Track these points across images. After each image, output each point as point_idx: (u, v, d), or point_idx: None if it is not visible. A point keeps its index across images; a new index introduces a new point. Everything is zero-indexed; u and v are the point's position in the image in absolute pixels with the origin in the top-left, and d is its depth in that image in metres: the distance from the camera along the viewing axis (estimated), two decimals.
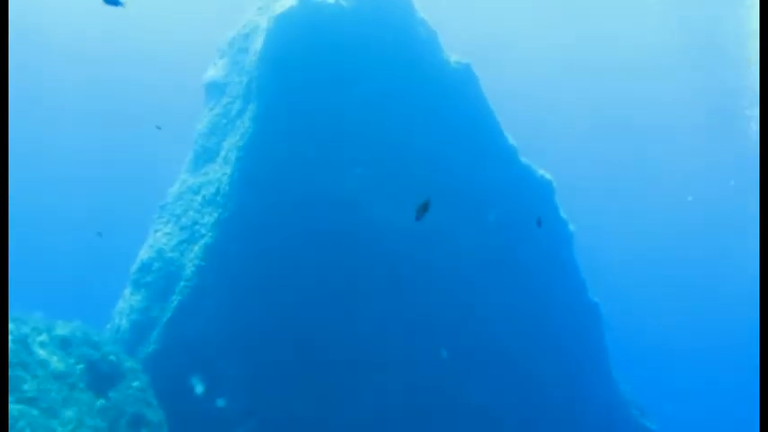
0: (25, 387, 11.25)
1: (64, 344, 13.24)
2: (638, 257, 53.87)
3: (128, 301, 16.36)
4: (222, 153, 16.16)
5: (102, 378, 13.27)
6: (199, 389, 14.13)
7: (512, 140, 17.90)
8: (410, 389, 15.25)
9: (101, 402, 12.54)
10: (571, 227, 18.37)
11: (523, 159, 17.99)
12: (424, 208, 8.13)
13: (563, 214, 18.30)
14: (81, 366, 12.95)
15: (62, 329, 13.50)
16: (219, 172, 15.87)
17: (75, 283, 40.76)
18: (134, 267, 16.67)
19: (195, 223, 15.86)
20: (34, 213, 44.54)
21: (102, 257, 37.95)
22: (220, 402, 14.26)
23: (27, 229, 41.88)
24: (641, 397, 20.73)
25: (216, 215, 15.25)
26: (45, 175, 46.71)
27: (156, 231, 16.82)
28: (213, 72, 17.71)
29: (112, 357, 13.59)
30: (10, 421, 10.39)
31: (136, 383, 13.11)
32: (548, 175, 18.02)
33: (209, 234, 15.15)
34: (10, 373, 11.28)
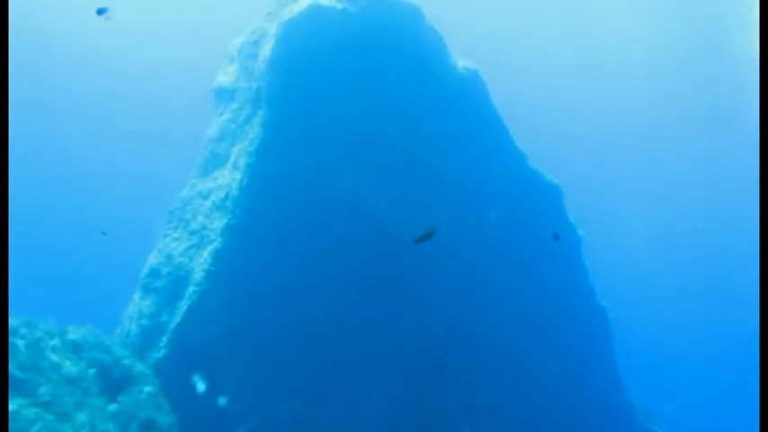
0: (40, 391, 11.32)
1: (76, 348, 13.31)
2: (641, 260, 53.89)
3: (137, 306, 16.43)
4: (231, 158, 16.24)
5: (113, 382, 13.34)
6: (200, 387, 14.20)
7: (520, 146, 17.97)
8: (413, 389, 15.31)
9: (113, 407, 12.61)
10: (579, 231, 18.45)
11: (532, 165, 18.06)
12: (428, 236, 8.60)
13: (571, 219, 18.37)
14: (93, 371, 13.03)
15: (74, 334, 13.57)
16: (229, 177, 15.95)
17: (82, 286, 40.84)
18: (143, 272, 16.74)
19: (204, 228, 15.93)
20: (38, 216, 44.63)
21: (109, 260, 38.08)
22: (222, 401, 14.34)
23: (30, 231, 41.95)
24: (647, 400, 20.77)
25: (225, 220, 15.32)
26: (52, 178, 46.80)
27: (165, 236, 16.90)
28: (222, 78, 17.81)
29: (124, 362, 13.67)
30: (25, 424, 10.47)
31: (148, 388, 13.18)
32: (556, 181, 18.11)
33: (219, 239, 15.21)
34: (25, 376, 11.36)
